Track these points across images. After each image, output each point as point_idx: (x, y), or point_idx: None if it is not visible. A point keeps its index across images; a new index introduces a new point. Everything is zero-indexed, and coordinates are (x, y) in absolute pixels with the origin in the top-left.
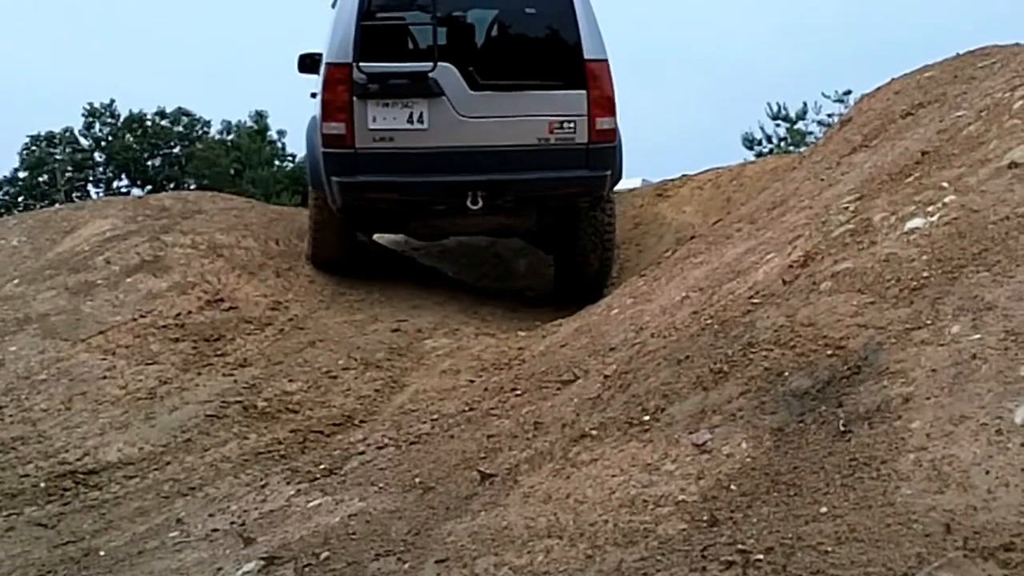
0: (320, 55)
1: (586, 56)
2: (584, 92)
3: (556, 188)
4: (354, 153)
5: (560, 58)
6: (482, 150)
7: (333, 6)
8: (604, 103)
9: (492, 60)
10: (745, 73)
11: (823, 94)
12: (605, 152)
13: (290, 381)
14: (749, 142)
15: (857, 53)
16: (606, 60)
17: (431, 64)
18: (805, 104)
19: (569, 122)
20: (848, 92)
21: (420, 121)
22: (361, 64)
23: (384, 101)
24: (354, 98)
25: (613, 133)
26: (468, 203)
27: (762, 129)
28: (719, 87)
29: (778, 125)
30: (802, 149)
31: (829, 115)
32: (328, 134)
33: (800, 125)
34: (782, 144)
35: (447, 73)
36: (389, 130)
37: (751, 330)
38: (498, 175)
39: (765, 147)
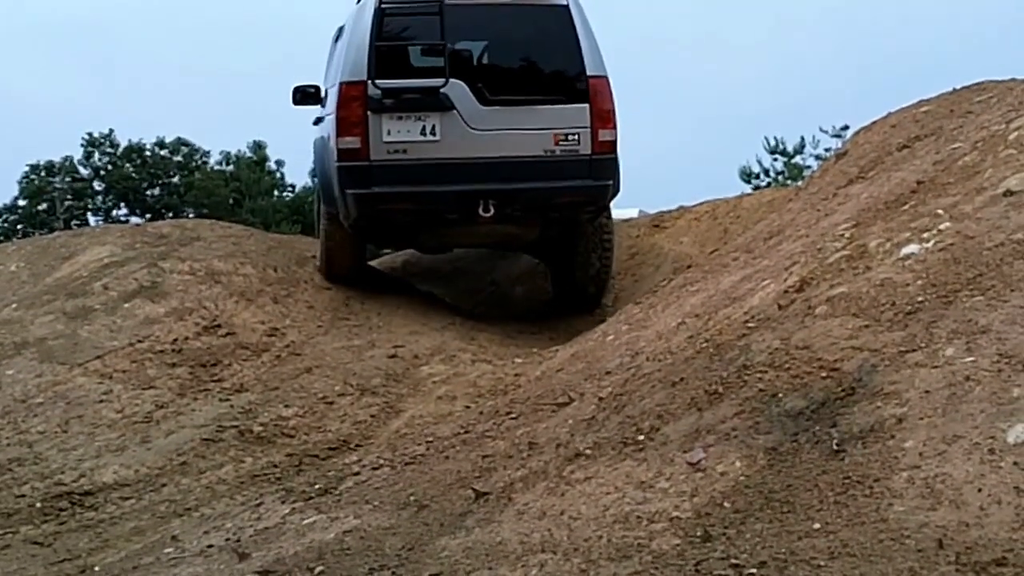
0: (315, 87)
1: (588, 72)
2: (587, 106)
3: (562, 197)
4: (369, 166)
5: (564, 74)
6: (492, 161)
7: (336, 39)
8: (605, 116)
9: (500, 76)
10: (744, 106)
11: (820, 129)
12: (607, 163)
13: (286, 406)
14: (746, 175)
15: (854, 88)
16: (606, 77)
17: (443, 80)
18: (803, 138)
19: (573, 134)
20: (845, 127)
21: (433, 133)
22: (376, 80)
23: (398, 115)
24: (368, 113)
25: (614, 145)
26: (480, 211)
27: (759, 163)
28: (717, 120)
29: (775, 159)
30: (799, 183)
31: (827, 150)
32: (343, 148)
33: (797, 159)
34: (779, 178)
35: (458, 88)
36: (403, 142)
37: (746, 353)
38: (508, 184)
39: (762, 181)
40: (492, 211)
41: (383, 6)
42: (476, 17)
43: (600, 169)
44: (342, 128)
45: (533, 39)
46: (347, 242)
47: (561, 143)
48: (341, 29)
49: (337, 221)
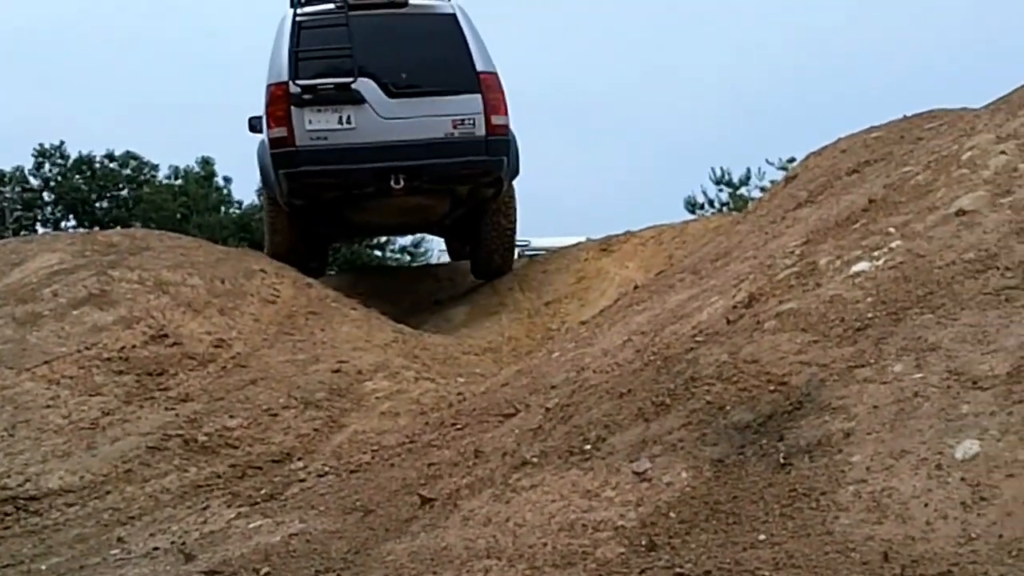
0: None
1: (478, 68)
2: (479, 95)
3: (461, 170)
4: (295, 150)
5: (457, 70)
6: (400, 144)
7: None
8: (496, 104)
9: (403, 74)
10: (691, 137)
11: (767, 160)
12: (500, 143)
13: (231, 417)
14: (691, 205)
15: (801, 120)
16: (495, 72)
17: (352, 78)
18: (748, 170)
19: (469, 119)
20: (792, 159)
21: (348, 122)
22: (296, 80)
23: (318, 108)
24: (292, 107)
25: (506, 128)
26: (392, 184)
27: (704, 193)
28: (662, 149)
29: (721, 190)
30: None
31: (772, 182)
32: (274, 138)
33: (743, 191)
34: (724, 209)
35: (367, 85)
36: (323, 130)
37: (694, 366)
38: (414, 162)
39: (708, 211)
40: (402, 184)
41: (298, 20)
42: (378, 25)
43: (495, 147)
44: (271, 120)
45: (429, 42)
46: (286, 223)
47: (459, 127)
48: None
49: (277, 204)
